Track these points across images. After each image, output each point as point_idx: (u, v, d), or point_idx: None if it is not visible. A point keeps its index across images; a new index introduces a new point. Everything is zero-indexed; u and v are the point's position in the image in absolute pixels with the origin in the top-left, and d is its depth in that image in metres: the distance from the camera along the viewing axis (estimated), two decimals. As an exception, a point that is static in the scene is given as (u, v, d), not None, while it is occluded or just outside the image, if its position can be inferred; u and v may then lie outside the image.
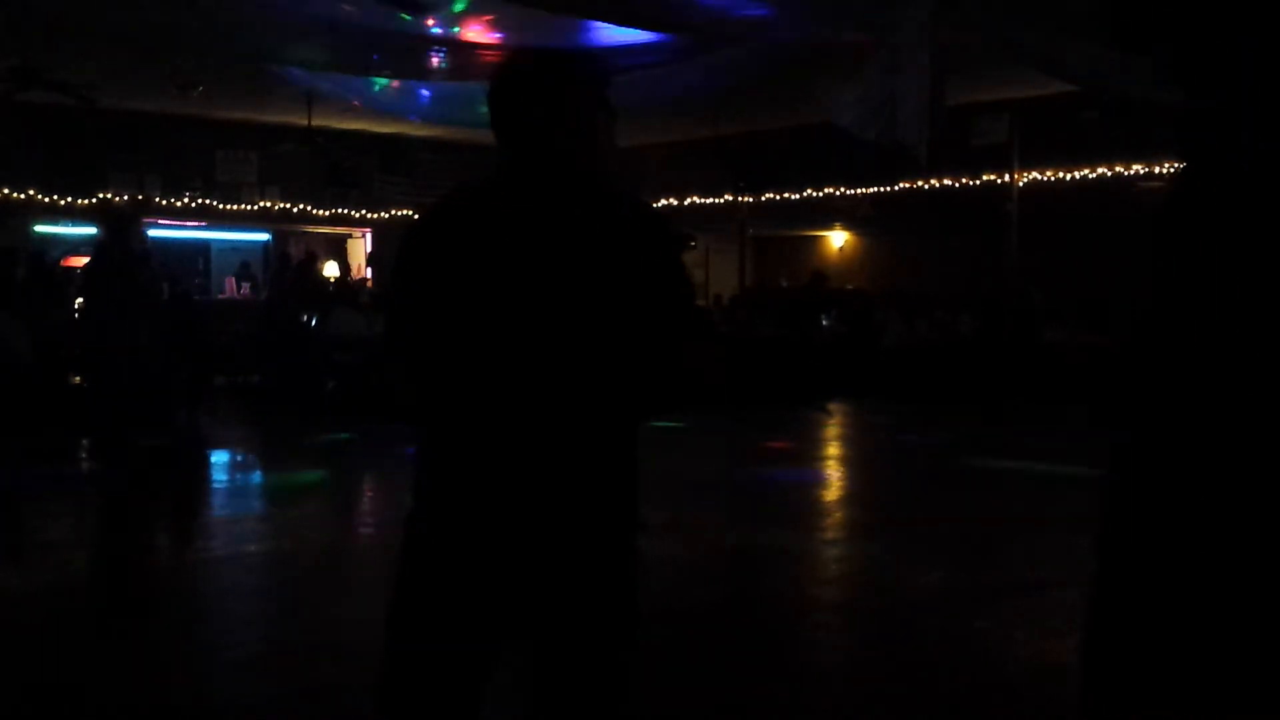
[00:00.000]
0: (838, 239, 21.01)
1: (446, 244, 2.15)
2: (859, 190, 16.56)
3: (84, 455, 10.01)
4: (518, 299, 2.09)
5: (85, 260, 14.39)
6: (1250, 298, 1.31)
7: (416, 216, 2.28)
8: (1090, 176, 14.31)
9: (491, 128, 2.25)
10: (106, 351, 9.45)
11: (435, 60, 11.65)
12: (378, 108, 14.15)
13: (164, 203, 16.46)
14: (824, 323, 15.94)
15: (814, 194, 16.90)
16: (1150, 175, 13.81)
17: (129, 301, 9.59)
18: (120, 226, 10.05)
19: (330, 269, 17.51)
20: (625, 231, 2.18)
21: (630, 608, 2.23)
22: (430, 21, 10.21)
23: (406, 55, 11.31)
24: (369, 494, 8.65)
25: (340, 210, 18.05)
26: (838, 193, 16.67)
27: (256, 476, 9.81)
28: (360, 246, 19.53)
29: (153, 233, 16.26)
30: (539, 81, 2.20)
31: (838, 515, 7.70)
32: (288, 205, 17.53)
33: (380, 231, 18.58)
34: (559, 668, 2.20)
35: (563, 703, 2.21)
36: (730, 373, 2.30)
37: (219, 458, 10.30)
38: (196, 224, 17.21)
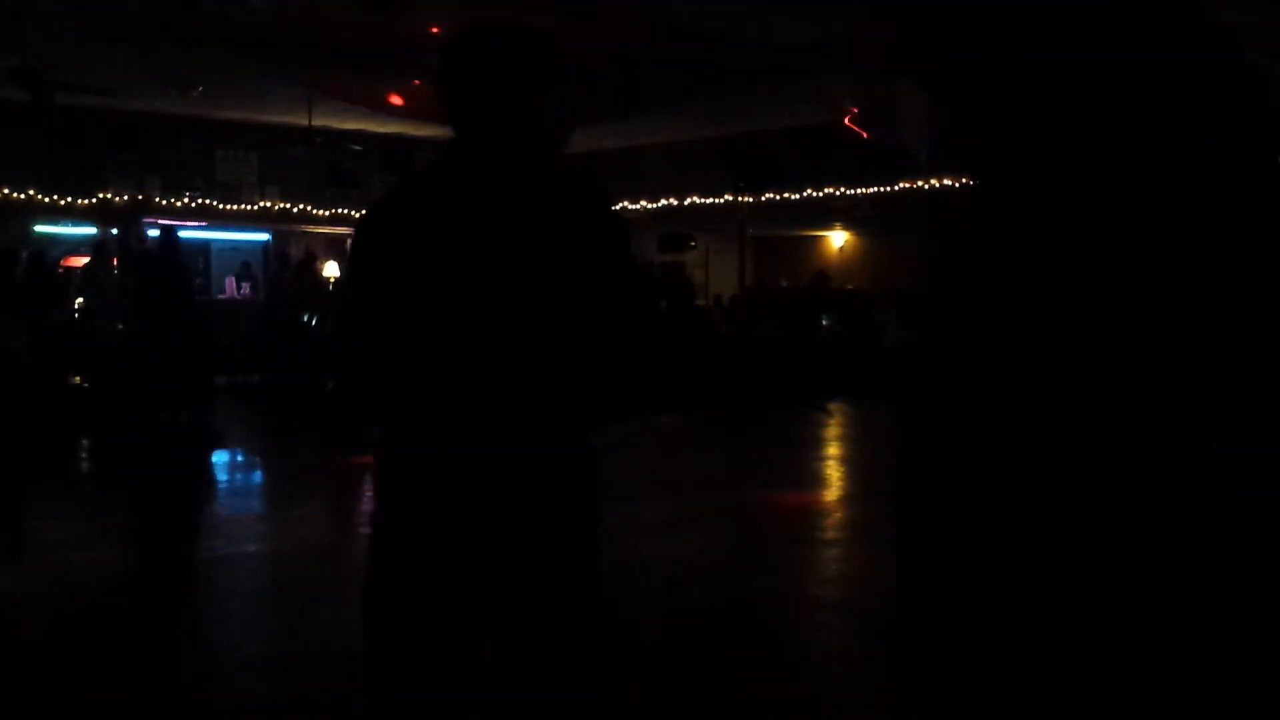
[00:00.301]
0: (838, 239, 21.00)
1: (395, 237, 2.11)
2: (859, 190, 16.55)
3: (85, 455, 10.01)
4: (466, 290, 2.05)
5: (85, 260, 14.45)
6: (1251, 299, 1.33)
7: (366, 209, 2.23)
8: (1090, 176, 14.32)
9: (439, 102, 2.19)
10: (149, 350, 9.70)
11: None
12: None
13: (164, 203, 16.45)
14: (824, 323, 15.94)
15: (814, 194, 16.91)
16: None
17: (170, 304, 9.94)
18: (169, 234, 10.70)
19: (330, 269, 17.51)
20: (574, 217, 2.12)
21: (590, 601, 2.19)
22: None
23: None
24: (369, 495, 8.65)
25: (340, 210, 18.04)
26: (838, 193, 16.67)
27: (257, 475, 9.82)
28: (360, 246, 19.51)
29: (153, 233, 16.29)
30: (487, 54, 2.14)
31: (838, 515, 7.69)
32: (288, 205, 17.53)
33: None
34: (521, 663, 2.17)
35: (528, 697, 2.18)
36: (669, 365, 2.26)
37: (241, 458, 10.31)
38: (196, 224, 17.20)
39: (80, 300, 13.33)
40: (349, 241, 2.10)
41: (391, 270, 2.09)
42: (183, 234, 16.80)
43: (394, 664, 2.15)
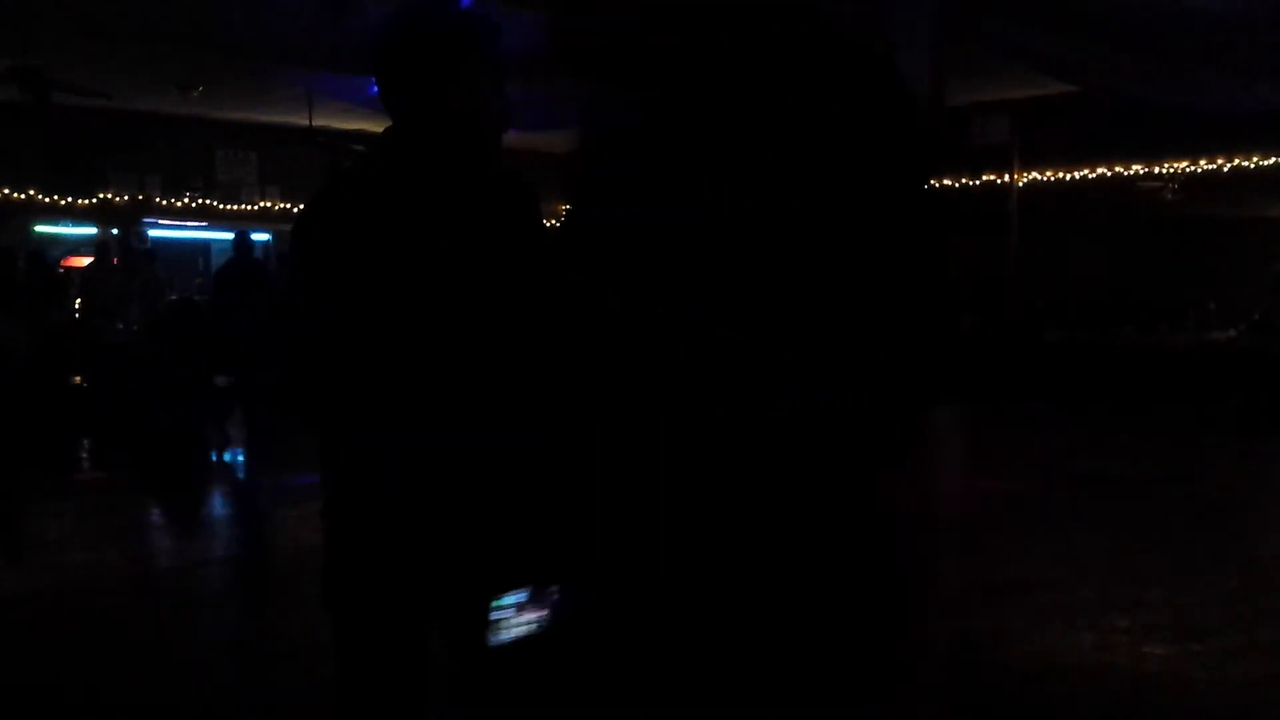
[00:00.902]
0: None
1: (327, 237, 2.09)
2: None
3: (86, 455, 10.03)
4: (398, 289, 2.04)
5: (88, 260, 14.45)
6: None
7: (303, 208, 2.20)
8: (1090, 176, 14.35)
9: (377, 90, 2.16)
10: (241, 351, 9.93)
11: None
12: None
13: (164, 203, 16.48)
14: None
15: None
16: (1150, 175, 13.85)
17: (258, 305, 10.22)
18: (245, 242, 10.95)
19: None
20: (505, 217, 2.12)
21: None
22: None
23: None
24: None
25: (341, 210, 18.07)
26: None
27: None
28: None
29: (153, 233, 16.31)
30: (423, 41, 2.11)
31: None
32: (288, 205, 17.55)
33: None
34: (468, 658, 2.18)
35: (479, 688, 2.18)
36: None
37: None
38: (197, 224, 17.23)
39: (79, 300, 13.36)
40: (291, 235, 2.06)
41: (325, 270, 2.08)
42: (181, 234, 16.90)
43: (348, 656, 2.17)
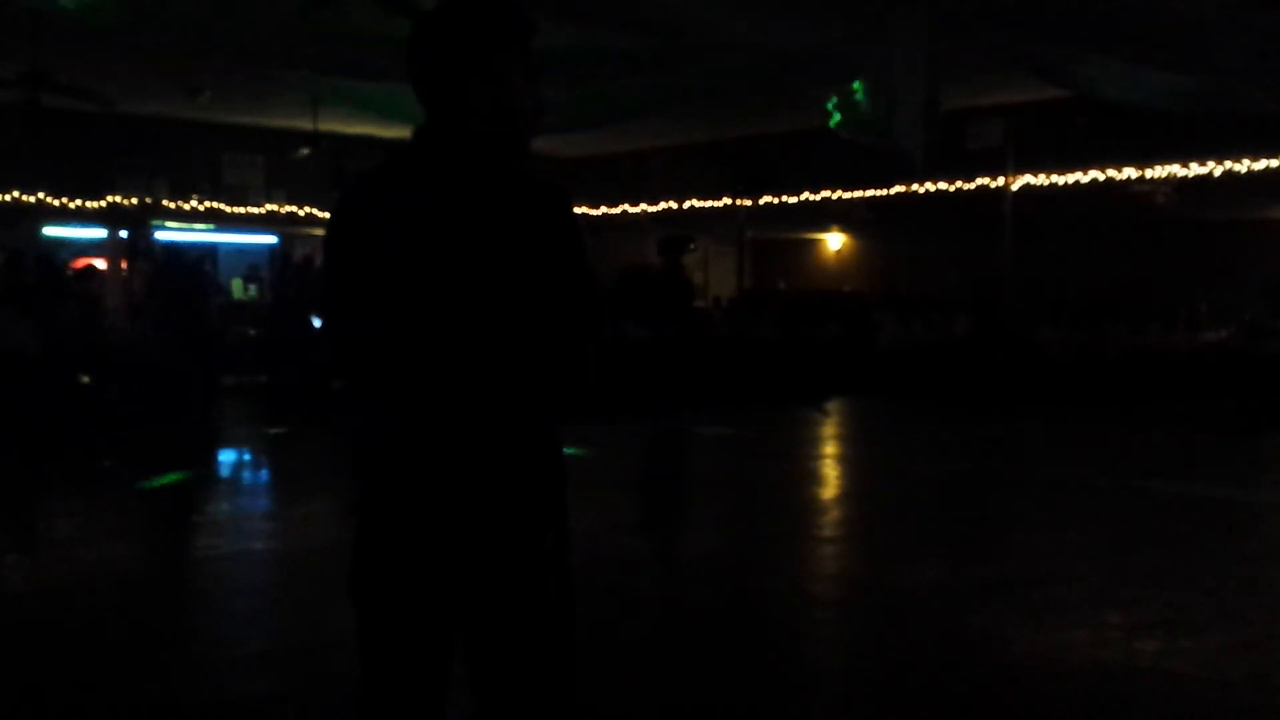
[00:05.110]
0: (834, 241, 21.19)
1: (359, 228, 2.08)
2: (856, 192, 16.70)
3: (94, 453, 10.15)
4: (423, 284, 2.03)
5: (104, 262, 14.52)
6: None
7: (336, 200, 2.16)
8: (1083, 180, 14.52)
9: (410, 83, 2.12)
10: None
11: None
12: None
13: (172, 205, 16.62)
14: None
15: (811, 197, 17.10)
16: (1141, 179, 14.01)
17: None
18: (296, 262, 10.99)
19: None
20: (530, 219, 2.07)
21: (552, 600, 2.16)
22: None
23: None
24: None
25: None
26: (834, 196, 16.88)
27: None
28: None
29: (160, 235, 16.45)
30: (454, 33, 2.07)
31: (835, 513, 7.86)
32: (294, 208, 17.66)
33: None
34: (486, 657, 2.16)
35: (494, 696, 2.17)
36: (602, 375, 2.26)
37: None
38: (204, 226, 17.36)
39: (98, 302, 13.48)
40: (327, 224, 2.07)
41: (358, 262, 2.07)
42: (189, 237, 17.03)
43: (373, 650, 2.17)
